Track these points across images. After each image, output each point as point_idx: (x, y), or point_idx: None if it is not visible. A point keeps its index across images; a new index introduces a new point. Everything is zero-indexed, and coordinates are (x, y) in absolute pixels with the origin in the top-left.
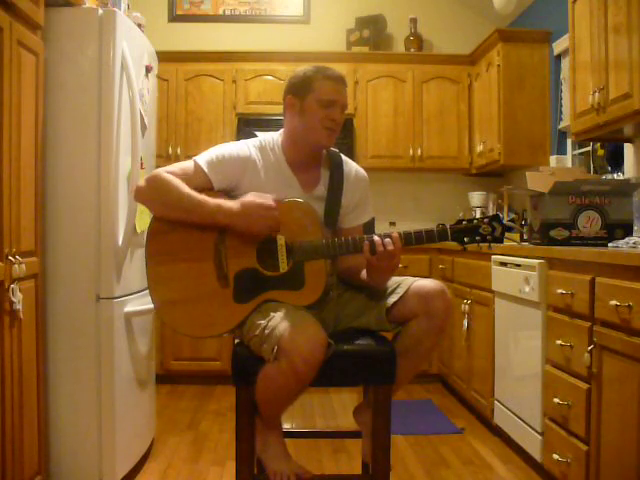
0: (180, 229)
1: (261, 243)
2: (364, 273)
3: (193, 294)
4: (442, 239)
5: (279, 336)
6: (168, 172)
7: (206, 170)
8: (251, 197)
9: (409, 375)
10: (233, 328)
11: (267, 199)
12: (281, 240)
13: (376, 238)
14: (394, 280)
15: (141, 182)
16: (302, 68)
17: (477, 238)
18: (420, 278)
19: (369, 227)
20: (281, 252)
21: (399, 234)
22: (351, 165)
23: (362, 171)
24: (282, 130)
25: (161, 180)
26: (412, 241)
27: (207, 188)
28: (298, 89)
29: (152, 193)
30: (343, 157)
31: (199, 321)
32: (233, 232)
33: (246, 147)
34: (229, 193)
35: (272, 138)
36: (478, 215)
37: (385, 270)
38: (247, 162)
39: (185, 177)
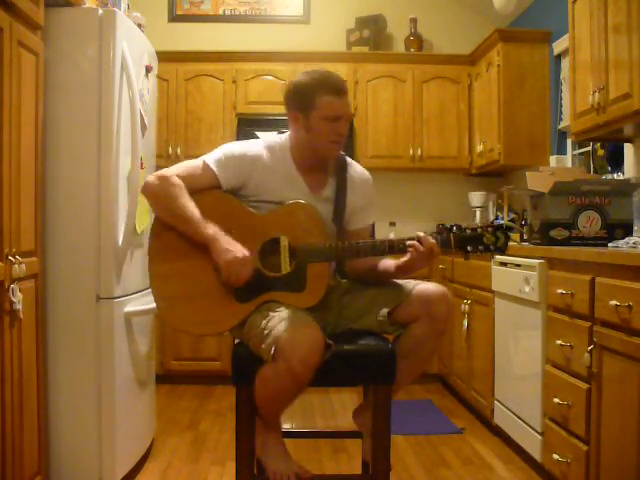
0: None
1: (264, 244)
2: (383, 267)
3: (194, 291)
4: (445, 246)
5: (277, 337)
6: (177, 176)
7: (215, 169)
8: (245, 251)
9: (410, 377)
10: (233, 327)
11: (247, 260)
12: (284, 241)
13: (421, 234)
14: (396, 282)
15: (152, 177)
16: (300, 77)
17: (480, 247)
18: (422, 281)
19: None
20: (284, 253)
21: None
22: (356, 167)
23: (367, 173)
24: (289, 133)
25: (170, 185)
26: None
27: (215, 187)
28: (300, 105)
29: (158, 194)
30: (347, 159)
31: (199, 318)
32: (236, 231)
33: (255, 146)
34: (237, 192)
35: (280, 139)
36: (478, 216)
37: (419, 268)
38: (255, 161)
39: (193, 178)
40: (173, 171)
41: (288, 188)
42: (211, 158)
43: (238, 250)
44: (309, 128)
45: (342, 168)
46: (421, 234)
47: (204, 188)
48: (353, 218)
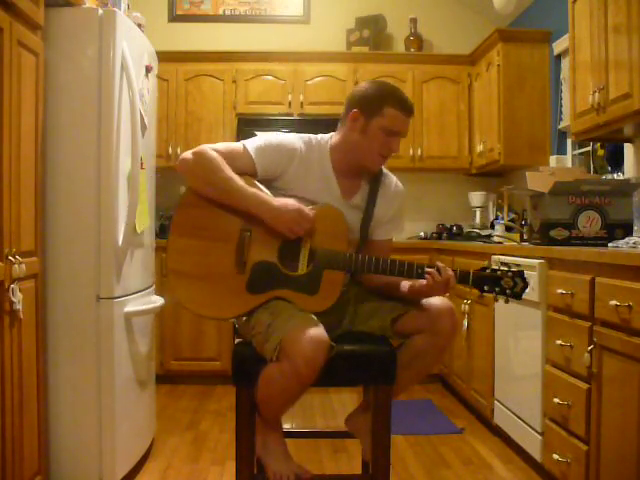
0: (210, 206)
1: (286, 241)
2: (397, 286)
3: (207, 272)
4: (462, 282)
5: (283, 336)
6: (215, 150)
7: (253, 156)
8: (294, 200)
9: (409, 384)
10: (238, 316)
11: (308, 209)
12: (306, 243)
13: (440, 265)
14: None
15: (188, 154)
16: (375, 83)
17: (496, 289)
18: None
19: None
20: (304, 254)
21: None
22: (391, 178)
23: (400, 186)
24: (334, 134)
25: (208, 157)
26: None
27: (250, 173)
28: (367, 107)
29: (197, 167)
30: (384, 169)
31: (206, 300)
32: (261, 223)
33: (296, 140)
34: (271, 184)
35: (322, 138)
36: (478, 216)
37: (431, 296)
38: (294, 154)
39: (230, 158)
40: (210, 146)
41: (321, 188)
42: (252, 144)
43: (289, 205)
44: (365, 132)
45: (377, 178)
46: (441, 265)
47: (238, 172)
48: (377, 229)
